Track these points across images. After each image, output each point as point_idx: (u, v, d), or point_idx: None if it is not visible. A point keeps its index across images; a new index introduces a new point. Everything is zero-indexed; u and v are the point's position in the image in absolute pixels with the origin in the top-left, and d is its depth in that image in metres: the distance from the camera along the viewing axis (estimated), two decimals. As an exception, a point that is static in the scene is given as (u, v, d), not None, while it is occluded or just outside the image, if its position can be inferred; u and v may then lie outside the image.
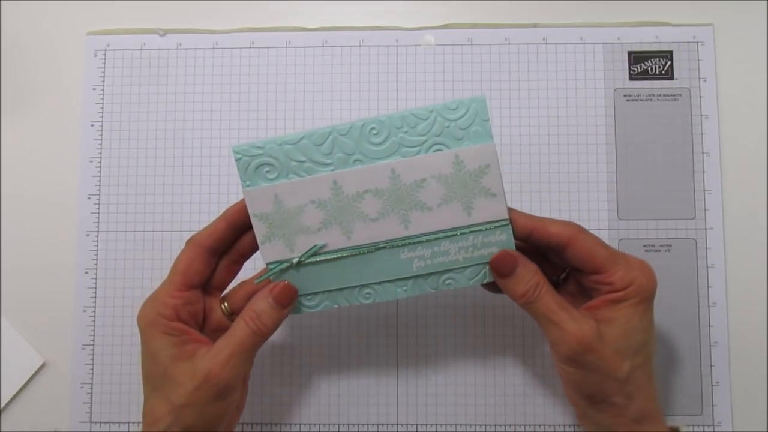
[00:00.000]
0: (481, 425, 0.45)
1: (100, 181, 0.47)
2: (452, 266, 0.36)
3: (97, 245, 0.46)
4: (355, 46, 0.47)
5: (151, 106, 0.47)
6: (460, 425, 0.45)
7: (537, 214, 0.36)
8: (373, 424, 0.45)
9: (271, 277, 0.36)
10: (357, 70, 0.47)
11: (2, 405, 0.45)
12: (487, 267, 0.36)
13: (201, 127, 0.47)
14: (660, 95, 0.46)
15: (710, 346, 0.45)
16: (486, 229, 0.36)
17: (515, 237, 0.36)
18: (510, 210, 0.36)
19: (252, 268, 0.41)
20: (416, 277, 0.37)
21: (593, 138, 0.46)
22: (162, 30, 0.48)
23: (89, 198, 0.47)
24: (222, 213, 0.37)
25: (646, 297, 0.35)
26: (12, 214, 0.47)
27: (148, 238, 0.46)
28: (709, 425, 0.44)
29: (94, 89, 0.48)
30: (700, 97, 0.46)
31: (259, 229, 0.36)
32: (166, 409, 0.34)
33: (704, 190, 0.46)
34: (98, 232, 0.47)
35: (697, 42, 0.47)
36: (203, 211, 0.46)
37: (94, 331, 0.46)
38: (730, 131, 0.46)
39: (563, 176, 0.46)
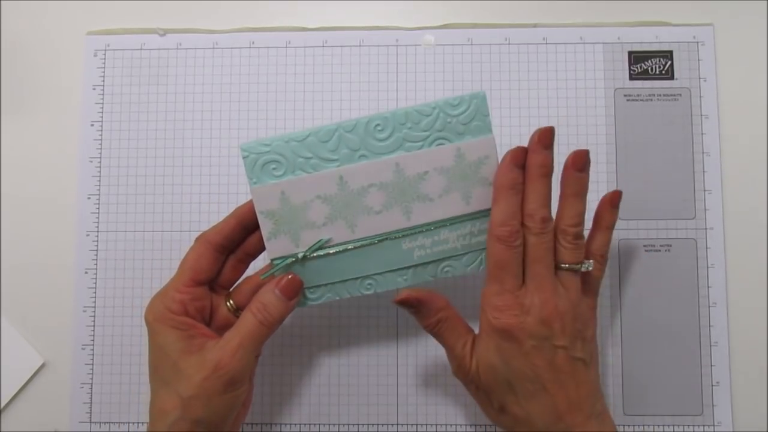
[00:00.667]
0: (481, 425, 0.45)
1: (100, 181, 0.47)
2: (451, 254, 0.38)
3: (97, 245, 0.46)
4: (355, 46, 0.47)
5: (151, 106, 0.47)
6: (460, 425, 0.45)
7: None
8: (373, 424, 0.45)
9: (276, 273, 0.37)
10: (357, 70, 0.47)
11: (2, 405, 0.45)
12: (483, 254, 0.38)
13: (201, 127, 0.47)
14: (660, 95, 0.46)
15: (710, 346, 0.45)
16: (483, 216, 0.37)
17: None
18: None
19: (257, 266, 0.41)
20: (416, 266, 0.38)
21: (593, 138, 0.46)
22: (162, 30, 0.48)
23: (89, 198, 0.47)
24: (232, 211, 0.38)
25: (495, 329, 0.35)
26: (12, 214, 0.47)
27: (148, 238, 0.46)
28: (709, 425, 0.44)
29: (94, 89, 0.48)
30: (700, 97, 0.46)
31: (265, 226, 0.37)
32: (174, 402, 0.35)
33: (704, 190, 0.46)
34: (98, 232, 0.47)
35: (697, 42, 0.47)
36: (203, 210, 0.46)
37: (94, 331, 0.46)
38: (730, 131, 0.46)
39: (563, 176, 0.46)
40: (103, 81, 0.48)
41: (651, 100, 0.46)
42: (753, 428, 0.44)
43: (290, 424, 0.45)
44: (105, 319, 0.46)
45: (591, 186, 0.46)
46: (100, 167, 0.47)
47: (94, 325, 0.46)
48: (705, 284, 0.45)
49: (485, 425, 0.45)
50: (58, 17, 0.48)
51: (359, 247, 0.37)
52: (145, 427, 0.45)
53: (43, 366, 0.46)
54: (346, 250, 0.37)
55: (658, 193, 0.46)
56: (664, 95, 0.46)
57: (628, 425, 0.44)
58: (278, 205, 0.36)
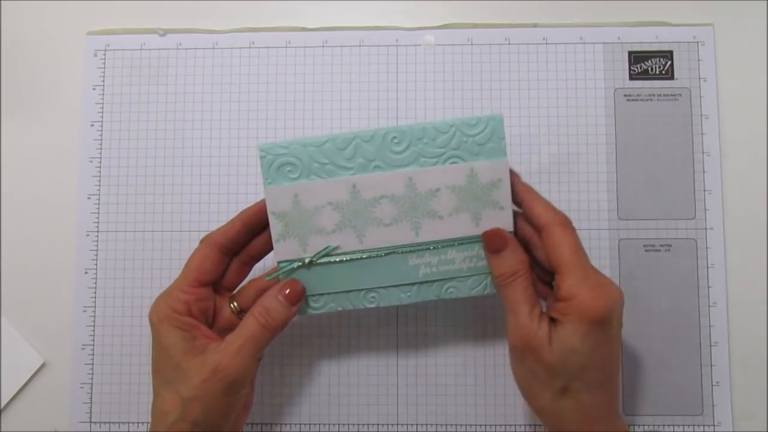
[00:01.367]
0: (481, 425, 0.45)
1: (100, 181, 0.47)
2: (456, 275, 0.38)
3: (97, 245, 0.46)
4: (355, 46, 0.47)
5: (151, 106, 0.47)
6: (460, 425, 0.45)
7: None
8: (373, 424, 0.45)
9: (280, 276, 0.37)
10: (357, 70, 0.47)
11: (2, 405, 0.45)
12: (489, 279, 0.38)
13: (201, 127, 0.47)
14: (660, 95, 0.46)
15: (710, 346, 0.45)
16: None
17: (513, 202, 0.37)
18: (513, 175, 0.37)
19: (261, 268, 0.41)
20: (420, 283, 0.38)
21: (593, 138, 0.46)
22: (162, 30, 0.48)
23: (89, 198, 0.47)
24: (238, 214, 0.38)
25: (588, 319, 0.33)
26: (12, 214, 0.47)
27: (148, 238, 0.46)
28: (709, 425, 0.44)
29: (94, 89, 0.48)
30: (700, 97, 0.46)
31: (275, 227, 0.37)
32: (174, 403, 0.35)
33: (704, 190, 0.46)
34: (98, 232, 0.47)
35: (697, 42, 0.47)
36: (203, 210, 0.46)
37: (94, 331, 0.46)
38: (730, 131, 0.46)
39: (563, 176, 0.46)
40: (103, 81, 0.48)
41: (651, 100, 0.46)
42: (753, 428, 0.44)
43: (290, 424, 0.45)
44: (105, 319, 0.46)
45: (591, 186, 0.46)
46: (100, 167, 0.47)
47: (94, 325, 0.46)
48: (705, 284, 0.45)
49: (485, 425, 0.45)
50: (58, 17, 0.48)
51: (366, 258, 0.37)
52: (145, 427, 0.45)
53: (43, 366, 0.46)
54: (353, 259, 0.37)
55: (658, 193, 0.46)
56: (664, 95, 0.46)
57: (628, 425, 0.44)
58: (290, 208, 0.37)
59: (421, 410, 0.45)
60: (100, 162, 0.47)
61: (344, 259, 0.37)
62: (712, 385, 0.44)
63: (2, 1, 0.48)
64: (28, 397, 0.46)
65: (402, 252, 0.37)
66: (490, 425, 0.45)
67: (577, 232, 0.36)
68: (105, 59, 0.48)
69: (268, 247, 0.39)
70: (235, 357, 0.35)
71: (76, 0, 0.48)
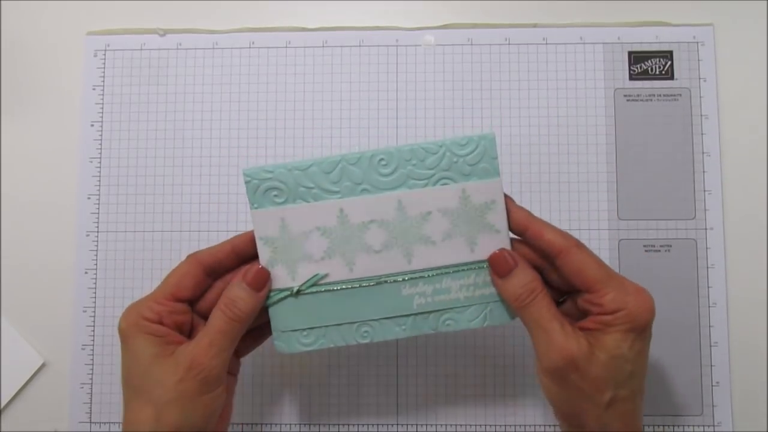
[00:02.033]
0: (481, 425, 0.45)
1: (99, 181, 0.47)
2: (453, 305, 0.36)
3: (96, 245, 0.46)
4: (355, 46, 0.47)
5: (151, 106, 0.47)
6: (460, 425, 0.45)
7: (537, 214, 0.36)
8: (373, 424, 0.45)
9: (269, 304, 0.36)
10: (357, 70, 0.47)
11: (2, 405, 0.45)
12: (488, 309, 0.36)
13: (201, 127, 0.47)
14: (660, 95, 0.46)
15: (710, 346, 0.45)
16: (488, 267, 0.36)
17: (510, 229, 0.36)
18: (507, 199, 0.36)
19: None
20: (416, 315, 0.36)
21: (593, 138, 0.46)
22: (162, 30, 0.48)
23: (89, 198, 0.47)
24: (230, 238, 0.37)
25: (637, 326, 0.33)
26: (12, 214, 0.47)
27: (148, 238, 0.46)
28: (709, 425, 0.44)
29: (94, 89, 0.48)
30: (700, 97, 0.46)
31: (263, 253, 0.36)
32: (147, 412, 0.33)
33: (704, 190, 0.46)
34: (98, 232, 0.47)
35: (697, 42, 0.47)
36: (203, 210, 0.46)
37: (93, 331, 0.46)
38: (730, 131, 0.46)
39: (563, 176, 0.46)
40: (103, 81, 0.48)
41: (651, 100, 0.46)
42: (753, 428, 0.44)
43: (290, 424, 0.45)
44: (105, 319, 0.46)
45: (591, 186, 0.46)
46: (100, 167, 0.47)
47: (94, 325, 0.46)
48: (705, 284, 0.45)
49: (485, 425, 0.45)
50: (58, 17, 0.48)
51: (357, 287, 0.36)
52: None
53: (43, 366, 0.46)
54: (343, 289, 0.36)
55: (658, 193, 0.46)
56: (664, 95, 0.46)
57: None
58: (278, 233, 0.35)
59: (421, 410, 0.45)
60: (100, 162, 0.47)
61: (334, 288, 0.36)
62: (712, 385, 0.44)
63: (2, 1, 0.48)
64: (28, 397, 0.46)
65: (394, 281, 0.36)
66: (490, 425, 0.45)
67: (578, 232, 0.36)
68: (105, 59, 0.48)
69: None
70: (207, 351, 0.34)
71: (76, 0, 0.48)
